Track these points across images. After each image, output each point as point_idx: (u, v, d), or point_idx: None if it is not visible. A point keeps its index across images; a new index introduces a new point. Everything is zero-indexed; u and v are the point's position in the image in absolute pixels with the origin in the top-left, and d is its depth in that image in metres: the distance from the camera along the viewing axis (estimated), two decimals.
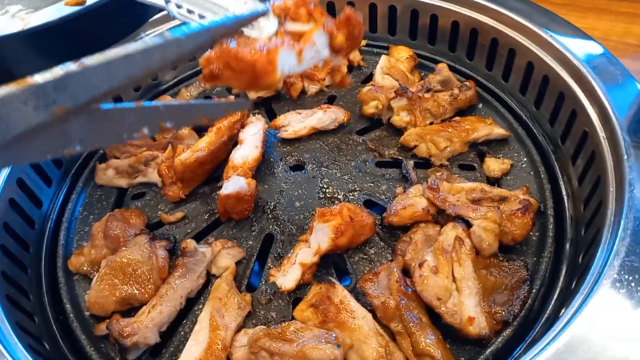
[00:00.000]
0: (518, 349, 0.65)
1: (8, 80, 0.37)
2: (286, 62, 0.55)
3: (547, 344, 0.52)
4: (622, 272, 0.56)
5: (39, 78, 0.39)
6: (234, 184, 0.77)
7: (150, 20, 1.01)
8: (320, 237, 0.69)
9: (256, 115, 0.92)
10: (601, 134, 0.74)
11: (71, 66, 0.40)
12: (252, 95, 1.00)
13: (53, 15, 1.07)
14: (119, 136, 0.46)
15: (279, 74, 0.54)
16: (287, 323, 0.64)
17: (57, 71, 0.40)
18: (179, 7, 0.76)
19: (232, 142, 0.88)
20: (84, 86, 0.41)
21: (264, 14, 0.53)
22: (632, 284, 0.55)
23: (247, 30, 0.66)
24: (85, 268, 0.78)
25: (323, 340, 0.61)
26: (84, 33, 0.94)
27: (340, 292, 0.67)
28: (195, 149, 0.82)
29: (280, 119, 0.92)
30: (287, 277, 0.68)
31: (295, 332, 0.63)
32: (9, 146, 0.39)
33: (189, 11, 0.75)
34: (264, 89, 0.85)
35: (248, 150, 0.84)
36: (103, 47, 1.01)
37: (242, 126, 0.91)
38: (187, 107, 0.52)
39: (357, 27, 0.63)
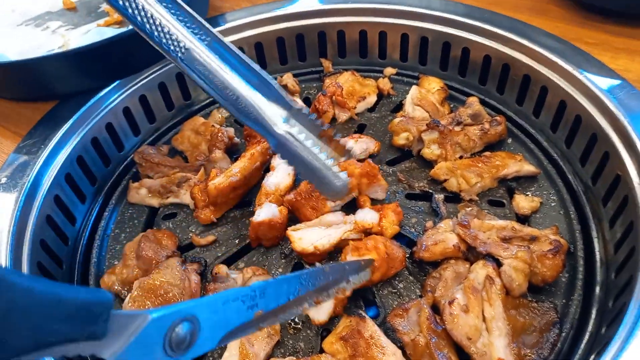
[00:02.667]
0: None
1: (48, 98, 0.41)
2: None
3: None
4: None
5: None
6: (266, 211, 0.78)
7: None
8: None
9: None
10: (635, 180, 0.74)
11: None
12: None
13: (94, 37, 1.10)
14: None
15: None
16: (317, 355, 0.65)
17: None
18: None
19: (264, 167, 0.90)
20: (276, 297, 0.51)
21: None
22: None
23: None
24: (116, 287, 0.79)
25: None
26: (123, 54, 0.97)
27: (371, 327, 0.68)
28: (228, 174, 0.83)
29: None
30: (320, 310, 0.69)
31: None
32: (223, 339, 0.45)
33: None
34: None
35: (280, 177, 0.85)
36: (141, 67, 1.04)
37: (274, 153, 0.92)
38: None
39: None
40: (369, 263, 0.68)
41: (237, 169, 0.85)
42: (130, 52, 0.97)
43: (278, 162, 0.88)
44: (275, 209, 0.79)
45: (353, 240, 0.75)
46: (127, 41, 0.93)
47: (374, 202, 0.84)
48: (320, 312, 0.69)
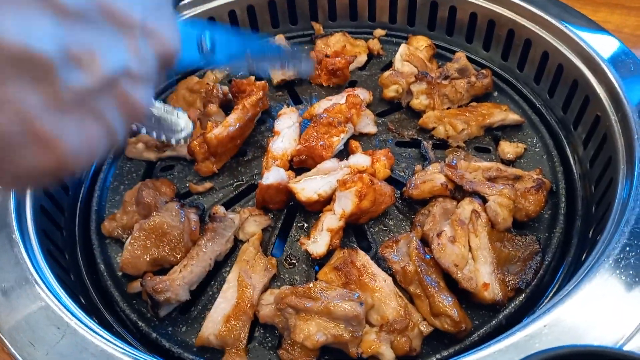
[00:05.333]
0: (529, 314, 0.68)
1: None
2: None
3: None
4: (632, 238, 0.59)
5: None
6: (275, 175, 0.79)
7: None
8: (344, 203, 0.73)
9: (290, 107, 0.96)
10: (613, 117, 0.78)
11: None
12: (276, 78, 1.04)
13: None
14: None
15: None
16: (312, 283, 0.68)
17: None
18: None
19: (256, 119, 0.93)
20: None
21: None
22: None
23: None
24: (117, 232, 0.82)
25: (347, 299, 0.65)
26: None
27: (363, 257, 0.71)
28: (226, 124, 0.86)
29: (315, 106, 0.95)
30: (317, 243, 0.72)
31: (320, 291, 0.66)
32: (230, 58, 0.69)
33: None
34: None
35: (287, 142, 0.87)
36: None
37: (264, 105, 0.95)
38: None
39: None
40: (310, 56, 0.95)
41: (233, 119, 0.87)
42: None
43: (282, 127, 0.90)
44: (284, 173, 0.80)
45: None
46: None
47: (367, 147, 0.88)
48: (319, 245, 0.72)
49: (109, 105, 0.39)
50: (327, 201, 0.79)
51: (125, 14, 0.39)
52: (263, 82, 0.94)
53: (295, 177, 0.81)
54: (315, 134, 0.85)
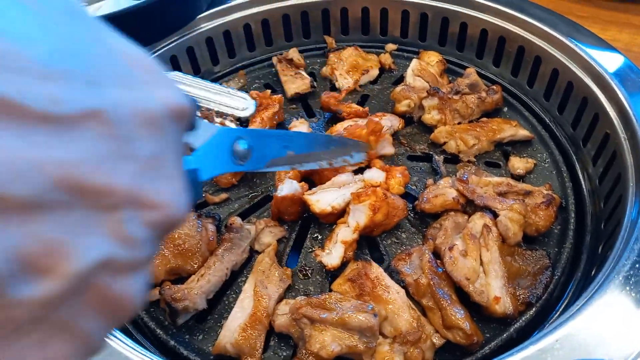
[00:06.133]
0: (540, 328, 0.70)
1: None
2: None
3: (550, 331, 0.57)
4: None
5: None
6: (288, 187, 0.81)
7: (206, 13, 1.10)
8: (358, 216, 0.74)
9: (299, 119, 0.98)
10: (622, 135, 0.79)
11: None
12: (290, 91, 1.06)
13: (104, 9, 1.14)
14: None
15: None
16: (327, 294, 0.70)
17: None
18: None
19: None
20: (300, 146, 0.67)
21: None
22: None
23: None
24: None
25: (361, 310, 0.67)
26: (134, 28, 1.01)
27: (376, 269, 0.73)
28: None
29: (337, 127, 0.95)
30: (332, 255, 0.74)
31: (335, 302, 0.68)
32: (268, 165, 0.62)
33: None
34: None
35: None
36: (153, 40, 1.08)
37: (280, 118, 0.98)
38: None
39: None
40: (366, 147, 0.83)
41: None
42: (143, 25, 1.01)
43: None
44: (297, 185, 0.82)
45: None
46: (137, 14, 0.97)
47: (385, 162, 0.90)
48: (333, 257, 0.74)
49: (83, 311, 0.28)
50: (340, 213, 0.81)
51: (103, 186, 0.27)
52: (279, 95, 0.97)
53: (309, 189, 0.83)
54: None
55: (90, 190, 0.26)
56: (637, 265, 0.60)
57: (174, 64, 1.11)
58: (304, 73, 1.12)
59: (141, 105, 0.30)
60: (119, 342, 0.59)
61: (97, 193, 0.27)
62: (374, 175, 0.84)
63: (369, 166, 0.87)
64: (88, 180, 0.26)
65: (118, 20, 0.97)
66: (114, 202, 0.28)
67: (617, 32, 0.98)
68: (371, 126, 0.84)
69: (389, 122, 0.95)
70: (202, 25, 1.12)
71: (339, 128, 0.92)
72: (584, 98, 0.90)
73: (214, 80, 1.16)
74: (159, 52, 1.08)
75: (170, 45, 1.09)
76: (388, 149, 0.90)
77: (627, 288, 0.59)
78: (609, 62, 0.89)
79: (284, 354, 0.70)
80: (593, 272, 0.74)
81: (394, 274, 0.73)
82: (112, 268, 0.28)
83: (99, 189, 0.27)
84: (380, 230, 0.80)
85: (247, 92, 1.04)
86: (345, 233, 0.75)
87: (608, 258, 0.66)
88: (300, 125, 0.95)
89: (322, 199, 0.81)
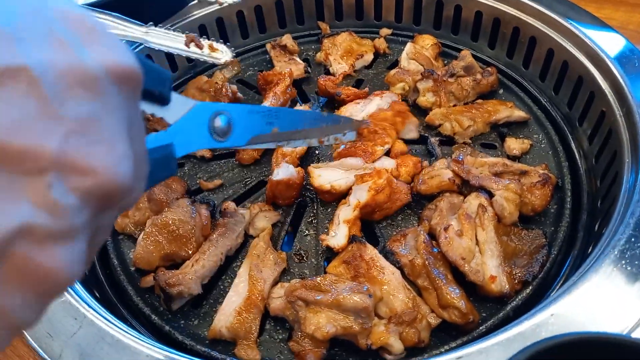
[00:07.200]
0: (536, 306, 0.69)
1: None
2: None
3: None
4: (638, 230, 0.60)
5: None
6: (284, 171, 0.81)
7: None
8: (360, 194, 0.74)
9: (302, 105, 0.98)
10: (618, 112, 0.79)
11: None
12: None
13: None
14: None
15: None
16: (322, 276, 0.70)
17: None
18: None
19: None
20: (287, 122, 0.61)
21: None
22: None
23: None
24: (130, 228, 0.83)
25: (356, 291, 0.66)
26: (128, 14, 1.00)
27: (371, 251, 0.73)
28: None
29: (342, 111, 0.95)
30: (337, 236, 0.73)
31: (329, 283, 0.68)
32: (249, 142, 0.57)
33: None
34: None
35: None
36: (157, 20, 1.06)
37: (292, 94, 0.98)
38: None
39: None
40: (359, 125, 0.76)
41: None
42: (136, 11, 1.00)
43: None
44: (293, 169, 0.81)
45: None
46: (128, 1, 0.97)
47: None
48: (338, 238, 0.74)
49: (1, 284, 0.26)
50: (340, 195, 0.80)
51: (27, 148, 0.25)
52: (289, 70, 0.97)
53: (304, 175, 0.82)
54: (359, 143, 0.85)
55: (11, 153, 0.24)
56: (632, 239, 0.60)
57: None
58: (298, 59, 1.11)
59: (75, 64, 0.27)
60: (113, 327, 0.59)
61: (19, 156, 0.24)
62: (385, 162, 0.83)
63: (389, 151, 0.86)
64: (9, 141, 0.24)
65: (109, 7, 0.97)
66: (39, 165, 0.25)
67: (613, 10, 0.98)
68: (396, 107, 0.82)
69: (389, 98, 0.94)
70: (195, 13, 1.11)
71: (343, 112, 0.92)
72: (580, 77, 0.89)
73: (211, 66, 1.16)
74: None
75: None
76: (413, 132, 0.89)
77: (623, 262, 0.58)
78: (605, 40, 0.88)
79: (280, 337, 0.70)
80: (589, 250, 0.73)
81: (389, 255, 0.73)
82: (34, 236, 0.26)
83: (22, 151, 0.25)
84: (382, 214, 0.79)
85: (244, 81, 1.04)
86: (346, 212, 0.75)
87: (604, 234, 0.66)
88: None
89: (324, 175, 0.80)
